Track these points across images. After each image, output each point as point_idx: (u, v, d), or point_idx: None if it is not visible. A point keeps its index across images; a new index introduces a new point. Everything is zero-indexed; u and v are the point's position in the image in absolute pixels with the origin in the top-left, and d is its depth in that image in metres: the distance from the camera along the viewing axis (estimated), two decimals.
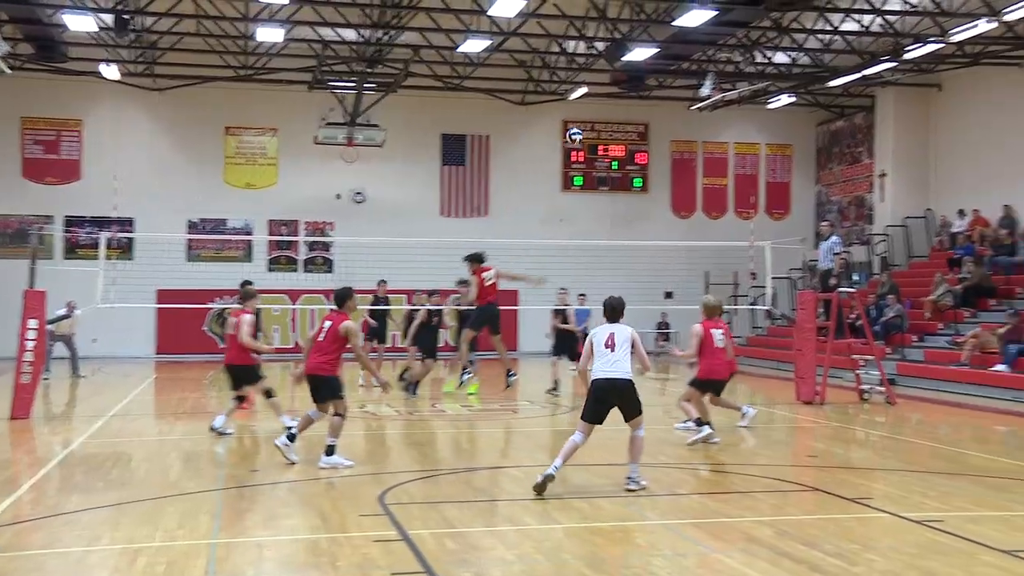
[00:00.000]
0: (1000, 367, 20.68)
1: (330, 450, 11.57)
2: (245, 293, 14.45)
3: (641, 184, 35.29)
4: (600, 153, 34.97)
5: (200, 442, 13.60)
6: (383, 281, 22.14)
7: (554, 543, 7.94)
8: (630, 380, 10.26)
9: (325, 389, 11.66)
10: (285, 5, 24.67)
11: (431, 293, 20.81)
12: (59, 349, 23.77)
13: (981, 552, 7.77)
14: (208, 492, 10.07)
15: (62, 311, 23.52)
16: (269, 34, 26.89)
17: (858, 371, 19.81)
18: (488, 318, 17.54)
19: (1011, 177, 27.63)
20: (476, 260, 17.97)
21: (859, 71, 27.89)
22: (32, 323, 16.45)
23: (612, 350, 10.29)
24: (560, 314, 20.91)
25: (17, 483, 10.73)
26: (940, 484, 10.77)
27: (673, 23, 24.41)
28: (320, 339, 11.64)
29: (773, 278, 22.25)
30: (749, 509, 9.38)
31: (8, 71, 25.25)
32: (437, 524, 8.61)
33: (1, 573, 7.25)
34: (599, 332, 10.46)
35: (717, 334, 13.47)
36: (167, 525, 8.58)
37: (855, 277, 29.20)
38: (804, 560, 7.42)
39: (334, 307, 12.07)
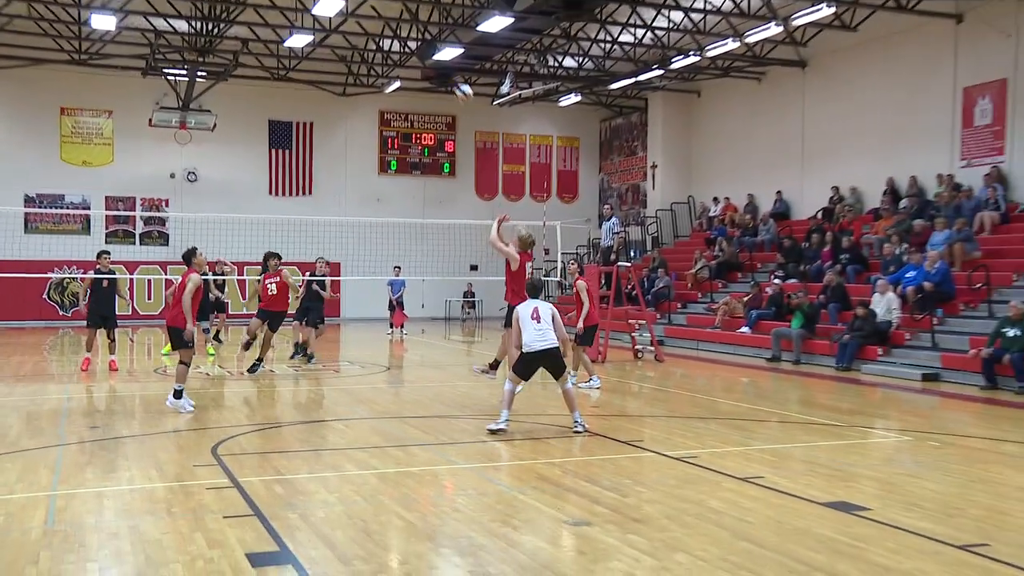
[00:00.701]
0: (744, 329, 21.85)
1: (177, 394, 11.87)
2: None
3: (449, 169, 35.42)
4: (413, 141, 34.95)
5: (41, 403, 12.99)
6: (105, 253, 18.37)
7: (372, 487, 7.96)
8: (556, 347, 10.48)
9: (176, 338, 11.97)
10: None
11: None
12: None
13: (725, 480, 8.28)
14: (48, 448, 9.64)
15: None
16: (102, 22, 25.41)
17: (633, 334, 20.54)
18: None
19: (754, 171, 29.22)
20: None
21: (634, 76, 28.82)
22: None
23: (538, 322, 10.41)
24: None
25: None
26: (696, 427, 11.33)
27: (477, 28, 24.53)
28: (174, 294, 12.10)
29: (563, 253, 22.72)
30: (542, 453, 9.60)
31: None
32: (266, 472, 8.53)
33: None
34: (525, 307, 10.55)
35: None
36: (5, 480, 8.16)
37: (631, 253, 30.18)
38: (586, 494, 7.69)
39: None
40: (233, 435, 10.34)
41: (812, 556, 6.12)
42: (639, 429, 11.22)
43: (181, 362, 12.05)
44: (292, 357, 18.30)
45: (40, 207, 30.57)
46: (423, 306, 31.00)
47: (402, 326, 26.33)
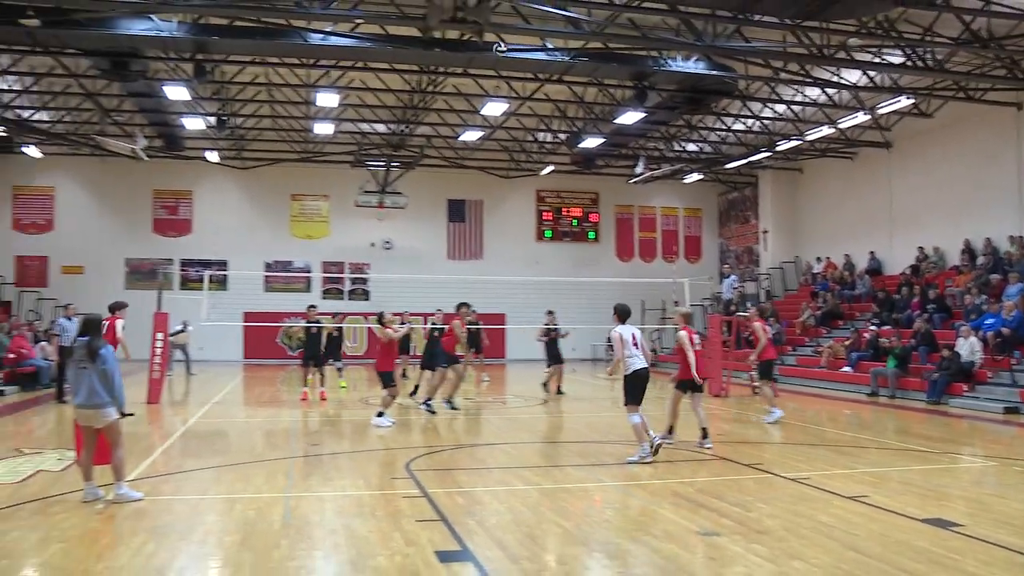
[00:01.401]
0: (846, 368, 20.89)
1: (380, 414, 13.12)
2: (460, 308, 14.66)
3: (594, 236, 35.35)
4: (563, 213, 35.09)
5: (277, 423, 13.58)
6: (312, 306, 18.51)
7: (534, 500, 7.98)
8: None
9: (384, 379, 13.51)
10: (335, 107, 24.82)
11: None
12: (178, 354, 23.71)
13: (834, 499, 7.92)
14: (282, 459, 10.08)
15: (179, 327, 23.44)
16: (323, 128, 26.99)
17: (751, 373, 19.85)
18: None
19: (850, 234, 28.10)
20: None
21: (745, 158, 28.17)
22: (159, 336, 16.52)
23: (636, 347, 9.99)
24: (547, 332, 19.18)
25: (152, 449, 10.75)
26: (807, 452, 10.88)
27: (614, 121, 24.62)
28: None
29: (691, 304, 22.28)
30: (675, 473, 9.40)
31: (145, 158, 25.33)
32: (449, 485, 8.65)
33: (145, 511, 7.30)
34: (625, 331, 10.05)
35: (696, 339, 11.57)
36: (255, 482, 8.61)
37: (748, 304, 29.32)
38: (715, 509, 7.50)
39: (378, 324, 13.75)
40: (422, 454, 10.54)
41: (913, 565, 5.81)
42: (759, 454, 10.84)
43: (389, 394, 13.19)
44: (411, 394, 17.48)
45: (274, 271, 32.17)
46: (574, 349, 30.86)
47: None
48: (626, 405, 10.06)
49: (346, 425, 13.80)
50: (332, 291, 32.89)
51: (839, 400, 18.37)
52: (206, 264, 29.90)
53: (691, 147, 30.58)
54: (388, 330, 13.50)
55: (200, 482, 8.72)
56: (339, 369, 18.56)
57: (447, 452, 11.03)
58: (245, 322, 27.36)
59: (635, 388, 9.99)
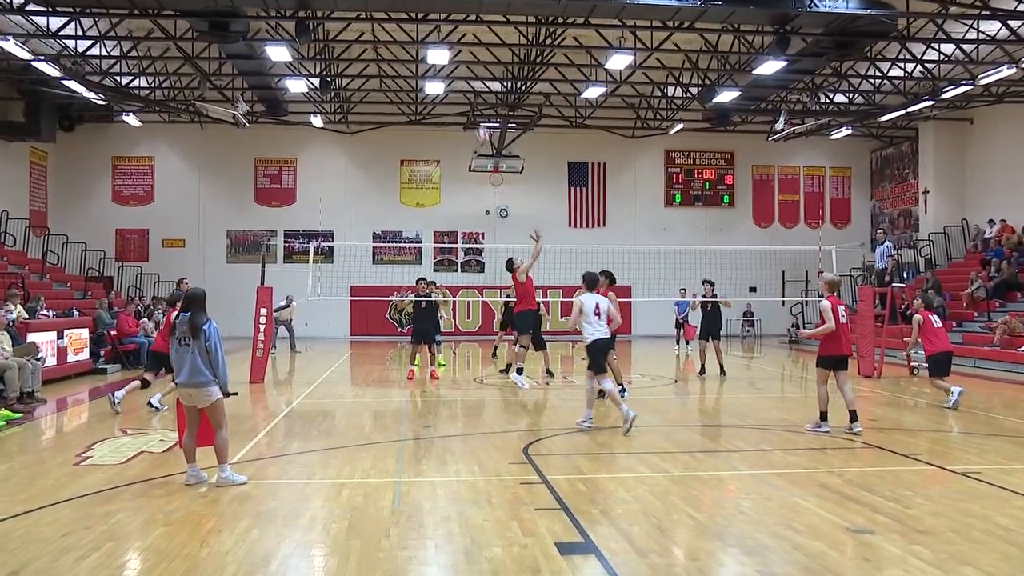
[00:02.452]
0: None
1: (519, 370, 14.33)
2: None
3: (728, 200, 34.63)
4: (696, 176, 34.52)
5: (386, 404, 13.87)
6: (422, 279, 18.29)
7: (663, 488, 7.85)
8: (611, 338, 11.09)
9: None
10: (445, 65, 25.02)
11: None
12: (281, 331, 24.61)
13: (1013, 498, 7.43)
14: (392, 442, 10.28)
15: (283, 302, 24.34)
16: (434, 87, 27.35)
17: (908, 351, 19.00)
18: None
19: None
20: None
21: (904, 108, 26.82)
22: (263, 312, 17.15)
23: (599, 316, 10.87)
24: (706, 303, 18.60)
25: (256, 431, 11.16)
26: (977, 443, 10.31)
27: (752, 71, 23.90)
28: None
29: (839, 275, 21.45)
30: (821, 463, 9.08)
31: (247, 124, 26.24)
32: (570, 471, 8.61)
33: (249, 495, 7.56)
34: (588, 300, 10.89)
35: (840, 310, 10.85)
36: (363, 466, 8.80)
37: (904, 275, 28.11)
38: (867, 503, 7.19)
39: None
40: (540, 438, 10.55)
41: None
42: (916, 442, 10.33)
43: (521, 345, 13.97)
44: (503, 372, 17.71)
45: (384, 242, 32.88)
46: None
47: (689, 341, 25.89)
48: (594, 372, 10.95)
49: (459, 405, 13.97)
50: (444, 263, 33.41)
51: (1016, 384, 17.34)
52: (311, 235, 30.88)
53: (840, 98, 29.39)
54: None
55: (306, 465, 8.98)
56: (437, 343, 18.43)
57: (567, 436, 10.98)
58: (352, 296, 28.10)
59: (596, 356, 10.84)
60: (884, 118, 28.56)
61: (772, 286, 30.25)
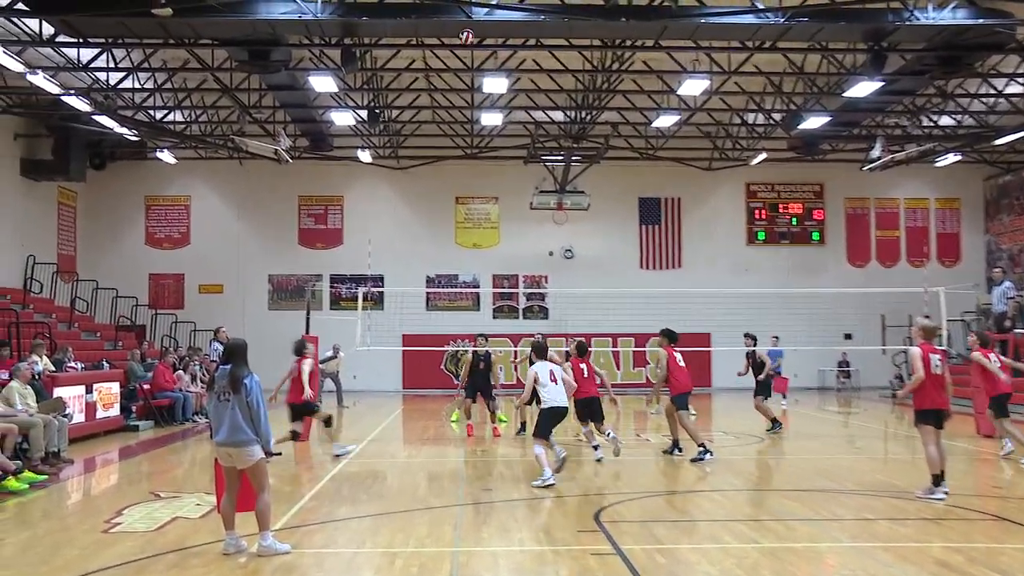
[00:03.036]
0: None
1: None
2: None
3: (819, 237, 34.20)
4: (780, 211, 34.18)
5: (442, 464, 13.85)
6: (481, 335, 18.87)
7: (752, 560, 7.67)
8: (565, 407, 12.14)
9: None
10: (504, 94, 25.28)
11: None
12: (328, 384, 24.79)
13: None
14: (450, 507, 10.24)
15: (330, 352, 24.56)
16: (491, 118, 27.66)
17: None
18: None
19: None
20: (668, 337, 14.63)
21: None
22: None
23: (555, 383, 11.97)
24: (750, 356, 18.71)
25: (301, 493, 11.22)
26: None
27: (843, 94, 23.70)
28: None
29: (948, 320, 21.01)
30: (936, 536, 8.78)
31: (289, 160, 26.77)
32: (647, 541, 8.47)
33: (293, 566, 7.59)
34: (542, 368, 12.03)
35: (935, 359, 10.57)
36: (418, 534, 8.77)
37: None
38: None
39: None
40: (612, 503, 10.42)
41: None
42: None
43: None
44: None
45: (438, 287, 33.11)
46: (795, 376, 29.87)
47: (784, 394, 25.38)
48: (534, 436, 12.05)
49: (521, 466, 13.86)
50: (504, 309, 33.47)
51: None
52: (359, 280, 31.18)
53: (946, 120, 28.94)
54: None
55: (355, 533, 8.99)
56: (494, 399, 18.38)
57: (642, 500, 10.84)
58: (404, 346, 28.29)
59: (545, 422, 11.95)
60: (1000, 141, 27.83)
61: (870, 333, 29.67)
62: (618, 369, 31.71)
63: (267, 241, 33.03)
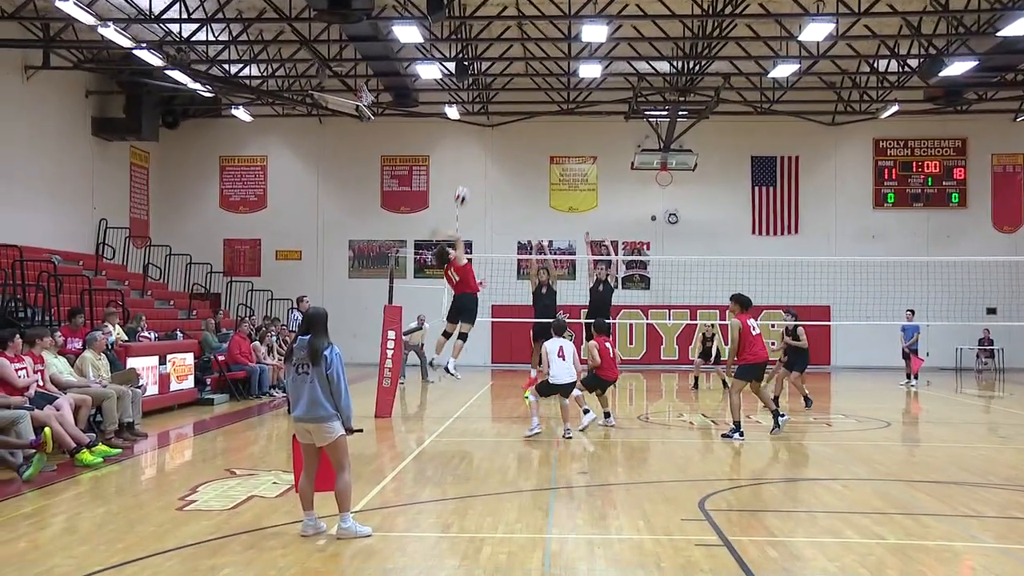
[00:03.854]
0: None
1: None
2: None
3: (959, 199, 33.13)
4: (914, 169, 33.19)
5: (533, 444, 13.91)
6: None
7: (877, 558, 7.51)
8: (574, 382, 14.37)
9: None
10: (603, 43, 25.06)
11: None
12: (412, 357, 25.10)
13: None
14: (542, 491, 10.29)
15: (414, 324, 24.82)
16: (589, 70, 27.45)
17: None
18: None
19: None
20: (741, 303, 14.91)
21: None
22: (391, 334, 17.54)
23: (563, 359, 14.12)
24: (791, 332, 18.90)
25: (383, 473, 11.40)
26: None
27: (996, 33, 22.83)
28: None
29: None
30: None
31: (372, 117, 26.98)
32: (757, 532, 8.40)
33: (374, 550, 7.70)
34: (551, 344, 14.29)
35: None
36: (507, 519, 8.83)
37: None
38: None
39: None
40: (720, 489, 10.35)
41: None
42: None
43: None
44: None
45: (531, 254, 33.11)
46: (927, 354, 29.13)
47: (916, 376, 24.91)
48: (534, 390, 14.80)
49: (620, 448, 13.87)
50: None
51: None
52: None
53: None
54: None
55: (440, 516, 9.09)
56: None
57: (754, 487, 10.77)
58: (494, 317, 28.45)
59: (546, 387, 14.43)
60: None
61: (1018, 307, 28.71)
62: (726, 343, 31.28)
63: (348, 205, 33.49)
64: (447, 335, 16.36)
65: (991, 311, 29.54)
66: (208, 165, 33.66)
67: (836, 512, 9.32)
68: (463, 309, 16.21)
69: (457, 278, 16.20)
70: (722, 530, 8.34)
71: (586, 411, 15.37)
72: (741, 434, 14.25)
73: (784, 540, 8.12)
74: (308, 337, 8.16)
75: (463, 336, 16.25)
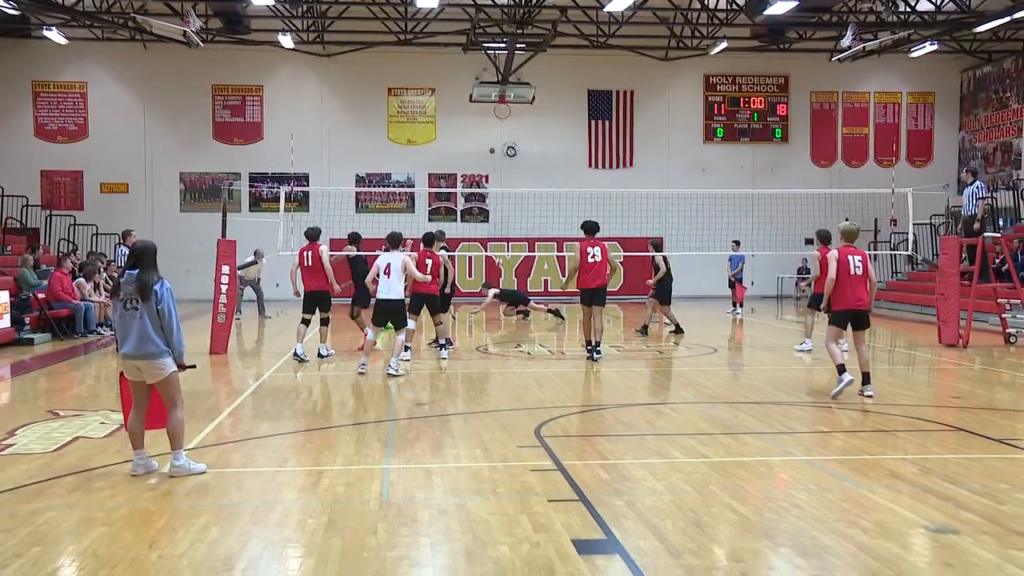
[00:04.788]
0: None
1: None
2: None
3: (781, 135, 34.43)
4: (741, 105, 34.25)
5: (373, 378, 13.90)
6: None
7: (701, 476, 7.87)
8: (401, 300, 13.94)
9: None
10: None
11: None
12: (248, 293, 24.63)
13: None
14: (381, 423, 10.32)
15: (250, 258, 24.32)
16: (427, 0, 27.01)
17: (1004, 315, 18.96)
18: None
19: None
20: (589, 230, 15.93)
21: (1010, 14, 25.94)
22: (225, 269, 17.14)
23: (388, 276, 13.71)
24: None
25: (218, 410, 11.21)
26: None
27: None
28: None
29: (915, 224, 21.38)
30: (892, 447, 9.07)
31: (200, 44, 26.01)
32: (590, 456, 8.65)
33: (209, 486, 7.61)
34: (381, 259, 13.96)
35: (854, 260, 11.75)
36: (345, 451, 8.85)
37: (1000, 222, 27.89)
38: (950, 497, 7.16)
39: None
40: (555, 416, 10.58)
41: None
42: (1013, 425, 10.26)
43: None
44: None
45: (369, 186, 32.83)
46: (752, 283, 30.36)
47: (742, 304, 26.06)
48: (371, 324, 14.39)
49: (459, 379, 14.01)
50: (441, 211, 33.37)
51: None
52: (281, 179, 30.86)
53: (924, 6, 28.81)
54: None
55: (277, 451, 9.03)
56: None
57: (587, 414, 11.05)
58: (332, 251, 28.07)
59: (377, 314, 14.15)
60: (982, 28, 27.75)
61: (835, 238, 30.09)
62: (563, 276, 31.83)
63: (178, 135, 32.36)
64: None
65: (809, 241, 30.87)
66: (19, 91, 31.78)
67: (663, 434, 9.67)
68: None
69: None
70: (556, 455, 8.55)
71: (443, 344, 15.73)
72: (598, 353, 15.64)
73: (615, 462, 8.39)
74: (136, 272, 7.91)
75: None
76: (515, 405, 11.43)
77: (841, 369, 11.61)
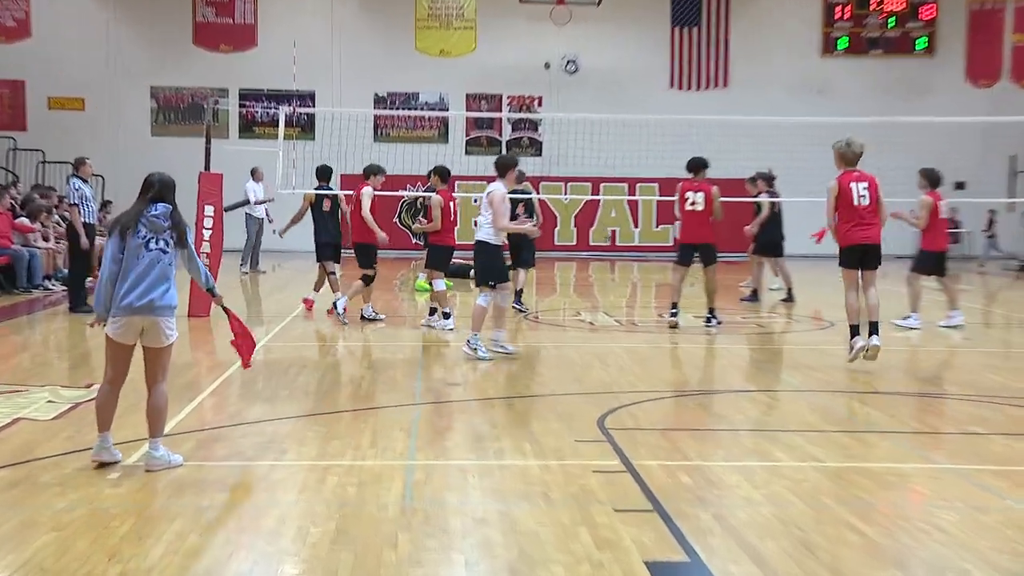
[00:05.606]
0: None
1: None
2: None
3: (926, 45, 33.91)
4: (871, 8, 33.73)
5: (394, 350, 13.95)
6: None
7: (812, 484, 7.77)
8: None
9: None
10: None
11: None
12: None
13: None
14: (403, 407, 10.35)
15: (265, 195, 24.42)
16: None
17: None
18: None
19: None
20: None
21: None
22: (208, 210, 17.14)
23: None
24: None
25: (198, 388, 11.25)
26: None
27: None
28: None
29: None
30: None
31: None
32: (668, 455, 8.58)
33: (186, 482, 7.60)
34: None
35: (858, 188, 12.59)
36: (358, 442, 8.85)
37: None
38: None
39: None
40: (625, 403, 10.54)
41: None
42: None
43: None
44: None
45: (391, 108, 32.81)
46: (884, 238, 30.04)
47: None
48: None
49: (502, 357, 13.98)
50: (481, 141, 33.36)
51: None
52: (280, 97, 30.91)
53: None
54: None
55: (272, 440, 9.02)
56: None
57: (665, 401, 11.01)
58: (345, 190, 28.22)
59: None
60: None
61: (993, 181, 29.67)
62: (635, 227, 31.78)
63: (150, 39, 32.56)
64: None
65: (959, 185, 30.45)
66: None
67: (763, 430, 9.63)
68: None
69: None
70: (625, 453, 8.50)
71: (446, 314, 15.68)
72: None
73: (700, 464, 8.34)
74: (169, 207, 7.98)
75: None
76: (573, 388, 11.41)
77: (854, 331, 12.15)
